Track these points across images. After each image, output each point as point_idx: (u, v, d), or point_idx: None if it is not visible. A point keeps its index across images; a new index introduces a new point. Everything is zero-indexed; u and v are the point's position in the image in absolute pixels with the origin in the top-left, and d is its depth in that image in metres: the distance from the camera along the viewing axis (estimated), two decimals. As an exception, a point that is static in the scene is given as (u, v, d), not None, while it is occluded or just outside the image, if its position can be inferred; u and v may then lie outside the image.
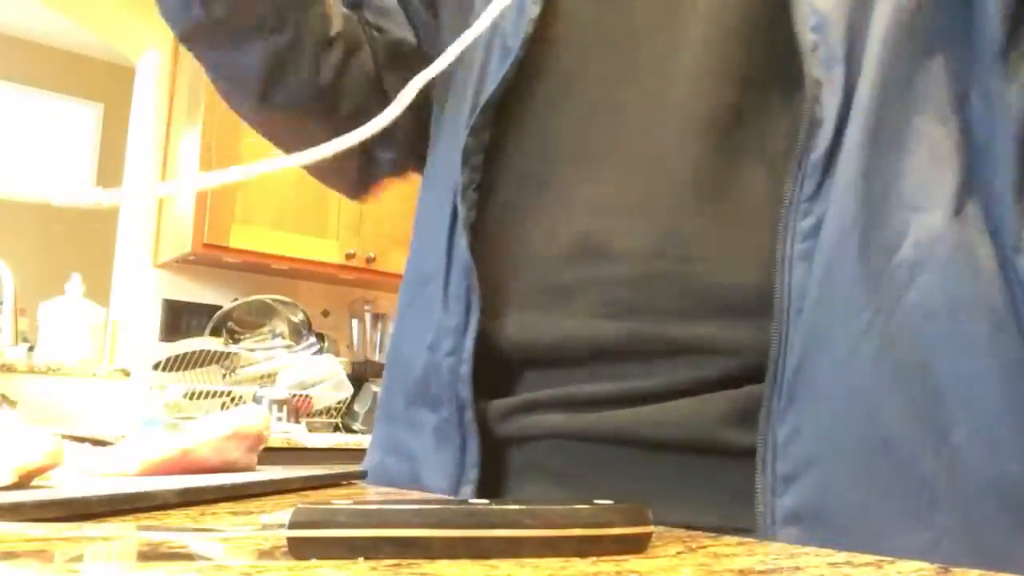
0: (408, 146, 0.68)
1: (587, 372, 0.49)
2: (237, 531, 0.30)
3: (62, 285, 2.34)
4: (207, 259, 2.42)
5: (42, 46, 4.47)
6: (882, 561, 0.28)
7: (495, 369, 0.51)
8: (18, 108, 4.39)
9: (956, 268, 0.41)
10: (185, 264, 2.49)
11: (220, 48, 0.63)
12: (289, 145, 0.65)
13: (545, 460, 0.50)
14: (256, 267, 2.50)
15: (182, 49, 0.69)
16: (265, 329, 2.41)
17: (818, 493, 0.40)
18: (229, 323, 2.38)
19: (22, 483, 0.35)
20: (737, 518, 0.43)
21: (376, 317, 2.69)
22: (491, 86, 0.51)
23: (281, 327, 2.43)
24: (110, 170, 4.26)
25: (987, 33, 0.42)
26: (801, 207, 0.42)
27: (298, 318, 2.46)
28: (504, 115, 0.52)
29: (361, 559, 0.25)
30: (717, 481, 0.45)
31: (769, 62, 0.47)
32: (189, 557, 0.26)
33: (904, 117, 0.43)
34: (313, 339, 2.44)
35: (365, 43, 0.68)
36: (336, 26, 0.66)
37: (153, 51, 2.67)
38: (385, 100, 0.63)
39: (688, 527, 0.38)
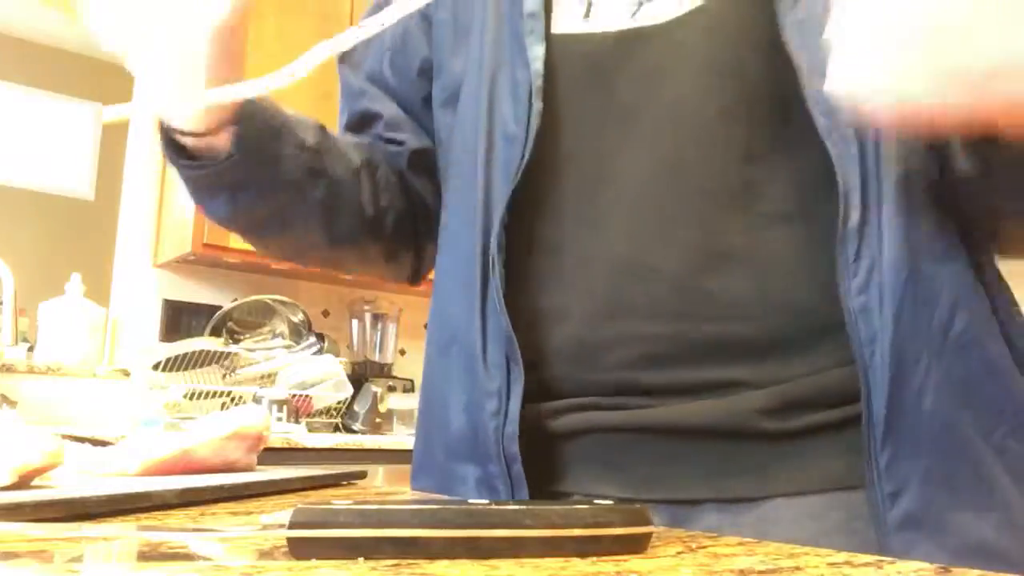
0: None
1: (625, 400, 0.54)
2: (237, 531, 0.30)
3: (62, 285, 2.34)
4: (207, 259, 2.42)
5: (42, 46, 4.46)
6: (882, 561, 0.28)
7: (532, 417, 0.55)
8: (18, 107, 4.39)
9: (981, 307, 0.50)
10: (185, 264, 2.49)
11: (272, 227, 0.68)
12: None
13: (582, 451, 0.55)
14: (256, 267, 2.50)
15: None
16: (265, 329, 2.41)
17: (917, 504, 0.46)
18: (229, 323, 2.37)
19: (22, 483, 0.35)
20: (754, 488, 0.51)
21: (376, 317, 2.69)
22: (510, 172, 0.55)
23: (281, 327, 2.43)
24: (110, 171, 4.25)
25: None
26: (850, 268, 0.48)
27: (298, 318, 2.46)
28: (518, 192, 0.56)
29: (361, 559, 0.25)
30: (742, 458, 0.51)
31: (770, 133, 0.53)
32: (189, 557, 0.26)
33: (919, 179, 0.49)
34: (313, 339, 2.43)
35: (383, 160, 0.71)
36: (355, 160, 0.68)
37: (153, 51, 2.67)
38: (417, 200, 0.71)
39: (714, 500, 0.51)
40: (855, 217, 0.48)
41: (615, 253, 0.54)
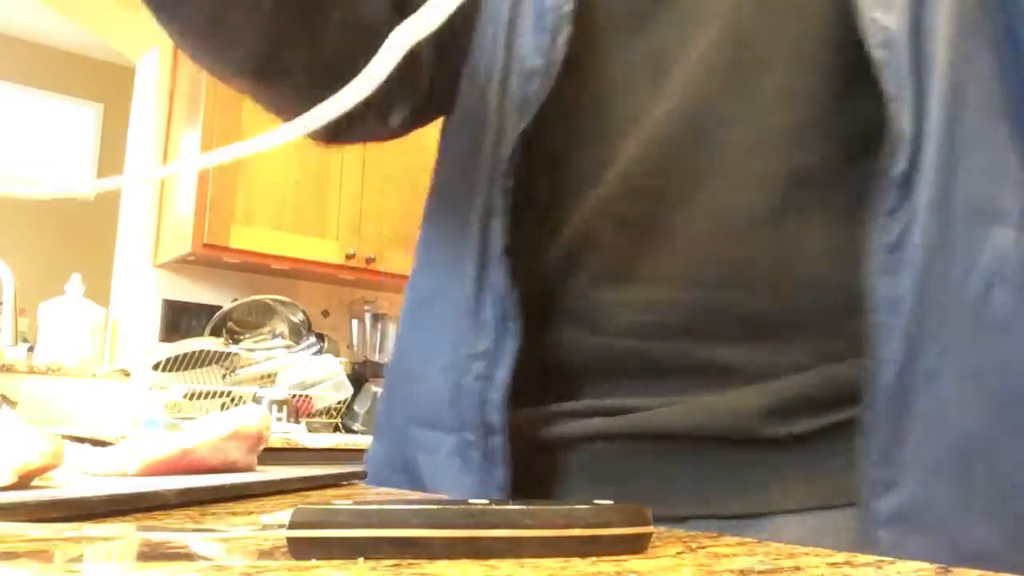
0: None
1: (619, 387, 0.50)
2: (237, 531, 0.30)
3: (62, 285, 2.34)
4: (207, 259, 2.42)
5: (42, 46, 4.47)
6: (882, 561, 0.28)
7: (520, 384, 0.50)
8: (18, 108, 4.39)
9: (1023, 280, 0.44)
10: (185, 264, 2.49)
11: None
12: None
13: (579, 463, 0.51)
14: (256, 267, 2.50)
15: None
16: (265, 329, 2.41)
17: (912, 497, 0.42)
18: (229, 323, 2.38)
19: (22, 483, 0.35)
20: (760, 503, 0.46)
21: (376, 317, 2.69)
22: (526, 109, 0.50)
23: (281, 327, 2.43)
24: (110, 170, 4.25)
25: None
26: (881, 221, 0.43)
27: (298, 318, 2.46)
28: (530, 140, 0.51)
29: (361, 559, 0.25)
30: (743, 471, 0.47)
31: (816, 80, 0.47)
32: (189, 557, 0.26)
33: (975, 130, 0.44)
34: (313, 339, 2.43)
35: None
36: None
37: (153, 51, 2.67)
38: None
39: (715, 516, 0.44)
40: (901, 166, 0.43)
41: (630, 210, 0.49)
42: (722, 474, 0.47)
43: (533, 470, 0.51)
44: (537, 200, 0.52)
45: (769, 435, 0.46)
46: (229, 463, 0.51)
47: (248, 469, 0.53)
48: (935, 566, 0.27)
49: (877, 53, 0.44)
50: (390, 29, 0.36)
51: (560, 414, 0.51)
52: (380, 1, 0.57)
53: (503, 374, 0.49)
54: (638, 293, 0.49)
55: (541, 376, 0.51)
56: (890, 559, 0.29)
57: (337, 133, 0.62)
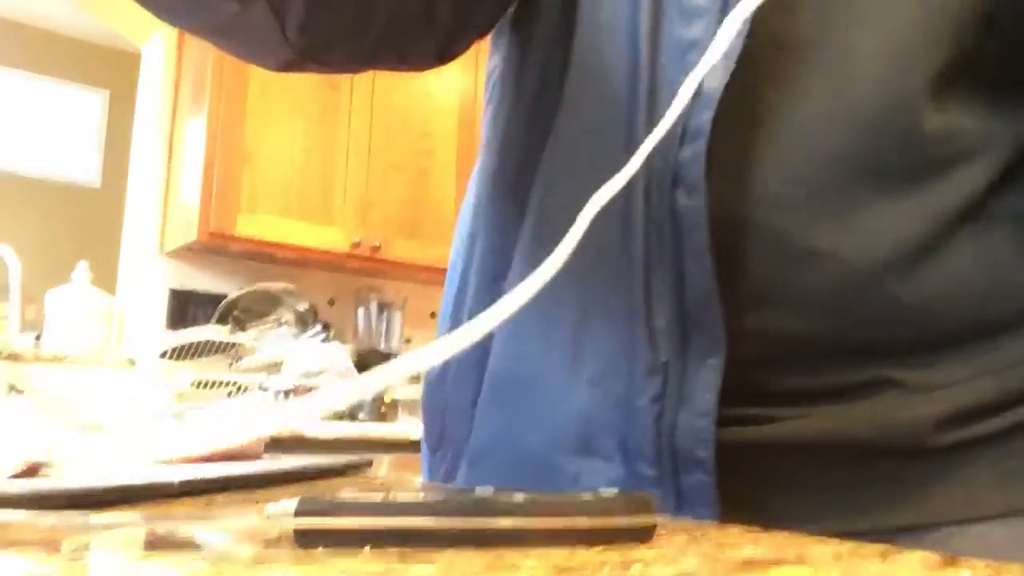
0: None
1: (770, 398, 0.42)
2: (243, 521, 0.30)
3: (68, 273, 2.35)
4: (213, 247, 2.42)
5: (47, 33, 4.46)
6: (888, 551, 0.28)
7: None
8: (25, 95, 4.40)
9: None
10: (191, 252, 2.50)
11: None
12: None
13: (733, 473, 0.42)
14: (262, 256, 2.50)
15: (187, 35, 0.64)
16: (271, 318, 2.42)
17: None
18: (235, 312, 2.38)
19: (29, 472, 0.35)
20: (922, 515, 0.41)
21: (382, 306, 2.69)
22: (691, 58, 0.40)
23: (287, 316, 2.44)
24: (117, 157, 4.26)
25: None
26: None
27: (304, 307, 2.47)
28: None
29: (367, 548, 0.25)
30: (906, 481, 0.41)
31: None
32: (195, 547, 0.26)
33: None
34: (319, 328, 2.44)
35: None
36: None
37: (158, 37, 2.67)
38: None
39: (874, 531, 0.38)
40: None
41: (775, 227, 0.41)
42: (882, 484, 0.41)
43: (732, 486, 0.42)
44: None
45: (940, 444, 0.41)
46: (235, 453, 0.51)
47: (254, 458, 0.53)
48: (942, 556, 0.27)
49: None
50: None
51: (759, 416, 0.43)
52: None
53: (705, 393, 0.40)
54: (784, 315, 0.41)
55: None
56: (897, 549, 0.28)
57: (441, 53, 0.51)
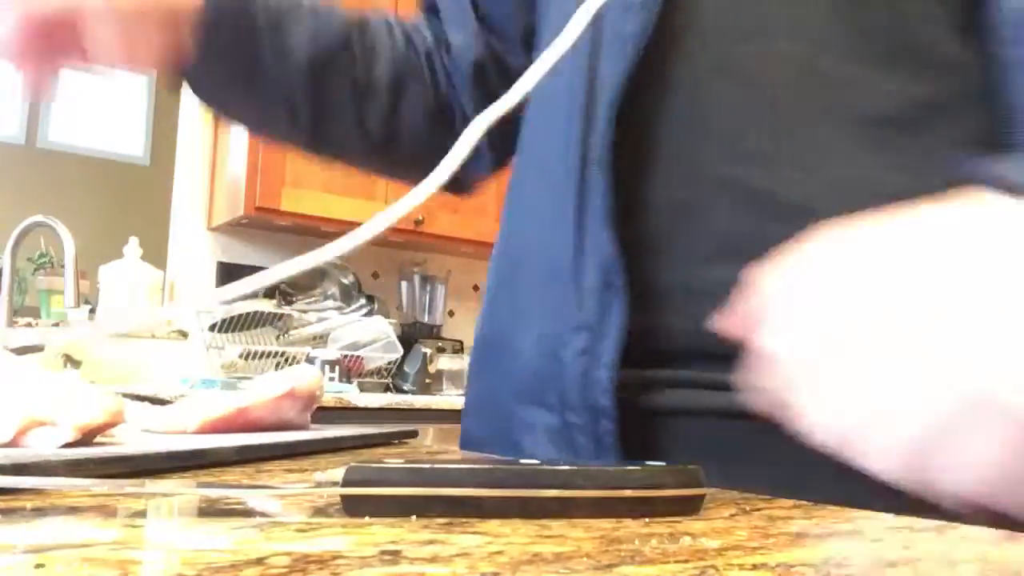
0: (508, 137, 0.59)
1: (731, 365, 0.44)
2: (292, 488, 0.30)
3: (120, 248, 2.39)
4: (259, 222, 2.45)
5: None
6: (944, 526, 0.28)
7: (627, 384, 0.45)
8: (71, 75, 4.47)
9: None
10: (238, 227, 2.53)
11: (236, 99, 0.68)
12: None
13: (687, 437, 0.45)
14: (307, 230, 2.52)
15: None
16: (317, 291, 2.45)
17: None
18: (282, 285, 2.41)
19: (85, 440, 0.36)
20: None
21: (425, 279, 2.70)
22: (626, 48, 0.45)
23: (332, 289, 2.46)
24: (164, 136, 4.32)
25: None
26: None
27: (349, 280, 2.49)
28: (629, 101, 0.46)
29: (413, 517, 0.25)
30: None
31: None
32: (247, 513, 0.27)
33: None
34: (363, 301, 2.46)
35: (421, 70, 0.65)
36: (382, 62, 0.63)
37: (203, 15, 2.69)
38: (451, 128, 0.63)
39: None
40: None
41: (745, 177, 0.43)
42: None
43: (634, 440, 0.46)
44: (639, 160, 0.47)
45: None
46: (284, 422, 0.52)
47: (302, 427, 0.54)
48: (1001, 532, 0.26)
49: None
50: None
51: (665, 381, 0.46)
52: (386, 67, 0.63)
53: (610, 352, 0.44)
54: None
55: (640, 340, 0.45)
56: (953, 524, 0.28)
57: (459, 188, 0.68)
